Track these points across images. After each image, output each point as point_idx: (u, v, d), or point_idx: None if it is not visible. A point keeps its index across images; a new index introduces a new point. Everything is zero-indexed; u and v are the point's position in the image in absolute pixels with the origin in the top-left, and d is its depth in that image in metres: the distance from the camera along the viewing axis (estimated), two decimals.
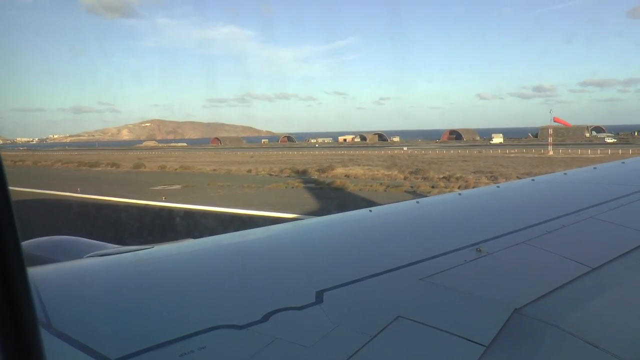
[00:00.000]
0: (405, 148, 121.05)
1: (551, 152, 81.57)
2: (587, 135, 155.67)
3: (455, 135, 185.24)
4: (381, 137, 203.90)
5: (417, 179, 50.17)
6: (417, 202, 5.23)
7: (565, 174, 6.94)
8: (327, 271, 2.97)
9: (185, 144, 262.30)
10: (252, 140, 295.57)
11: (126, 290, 2.71)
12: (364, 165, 66.91)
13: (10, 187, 1.03)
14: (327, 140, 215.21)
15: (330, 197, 39.94)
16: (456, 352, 2.04)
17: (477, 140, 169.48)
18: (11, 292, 0.99)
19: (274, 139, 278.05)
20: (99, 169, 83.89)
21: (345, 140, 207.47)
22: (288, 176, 58.62)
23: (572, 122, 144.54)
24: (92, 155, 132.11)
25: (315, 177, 55.98)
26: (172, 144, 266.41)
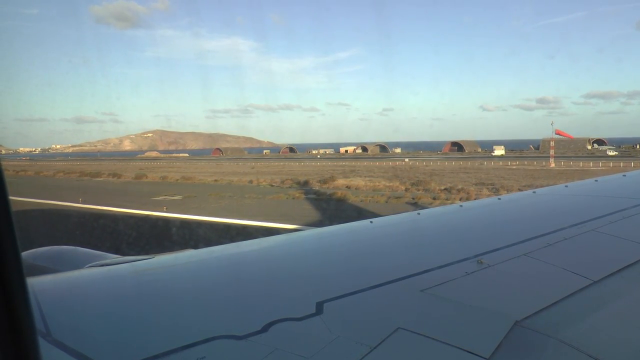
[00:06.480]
0: (406, 159, 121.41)
1: (552, 165, 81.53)
2: (589, 147, 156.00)
3: (457, 146, 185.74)
4: (383, 148, 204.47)
5: (419, 190, 50.17)
6: (418, 213, 5.22)
7: (566, 186, 6.94)
8: (327, 282, 2.96)
9: (187, 155, 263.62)
10: (253, 151, 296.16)
11: (126, 300, 2.71)
12: (365, 177, 66.96)
13: (12, 197, 1.03)
14: (328, 151, 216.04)
15: (331, 208, 39.92)
16: None
17: (478, 152, 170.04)
18: (10, 302, 0.98)
19: (275, 149, 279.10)
20: (101, 179, 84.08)
21: (346, 151, 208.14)
22: (289, 187, 58.66)
23: (575, 134, 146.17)
24: (94, 165, 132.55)
25: (317, 188, 55.98)
26: (173, 155, 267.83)
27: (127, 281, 3.07)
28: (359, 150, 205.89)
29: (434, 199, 42.78)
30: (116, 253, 4.84)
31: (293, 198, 47.58)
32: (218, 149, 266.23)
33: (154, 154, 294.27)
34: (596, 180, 7.17)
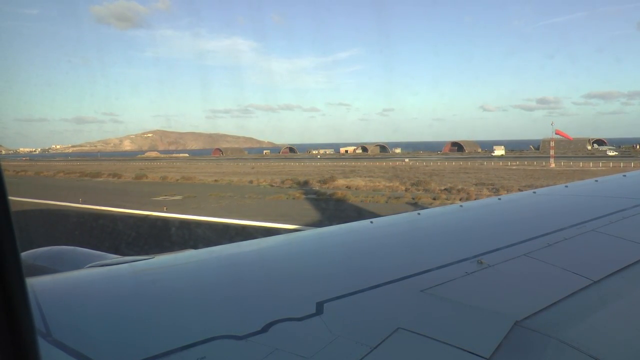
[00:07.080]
0: (406, 159, 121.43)
1: (553, 165, 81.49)
2: (589, 147, 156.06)
3: (457, 147, 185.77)
4: (383, 148, 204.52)
5: (419, 190, 50.18)
6: (418, 213, 5.23)
7: (566, 186, 6.94)
8: (327, 282, 2.96)
9: (187, 155, 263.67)
10: (253, 151, 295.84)
11: (126, 300, 2.71)
12: (365, 177, 66.96)
13: (11, 197, 1.03)
14: (328, 151, 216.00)
15: (331, 209, 39.91)
16: None
17: (478, 152, 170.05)
18: (10, 302, 0.99)
19: (275, 150, 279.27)
20: (101, 179, 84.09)
21: (346, 151, 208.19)
22: (289, 187, 58.64)
23: (575, 134, 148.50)
24: (94, 165, 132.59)
25: (317, 188, 55.96)
26: (174, 155, 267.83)
27: (127, 281, 3.07)
28: (359, 151, 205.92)
29: (434, 199, 42.77)
30: (116, 253, 4.84)
31: (293, 198, 47.55)
32: (218, 149, 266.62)
33: (154, 154, 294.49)
34: (596, 181, 7.16)
